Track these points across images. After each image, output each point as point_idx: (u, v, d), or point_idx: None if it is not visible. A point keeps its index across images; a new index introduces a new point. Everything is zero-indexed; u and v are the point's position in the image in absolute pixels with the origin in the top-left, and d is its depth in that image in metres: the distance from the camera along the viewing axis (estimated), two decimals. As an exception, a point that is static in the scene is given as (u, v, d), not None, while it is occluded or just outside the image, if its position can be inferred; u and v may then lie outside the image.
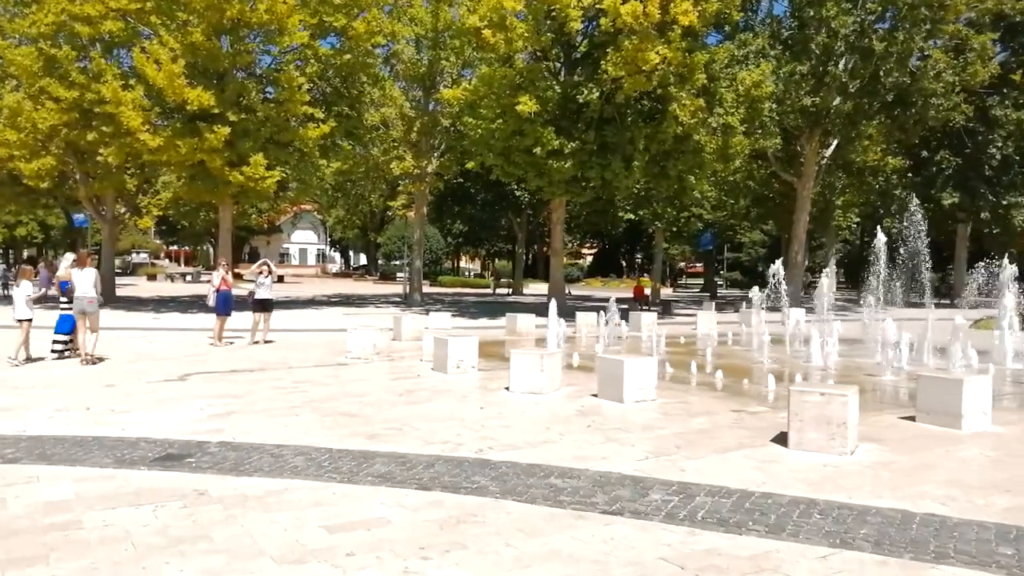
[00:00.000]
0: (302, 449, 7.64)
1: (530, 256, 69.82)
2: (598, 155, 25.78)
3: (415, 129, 32.19)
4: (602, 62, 24.43)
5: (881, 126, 35.13)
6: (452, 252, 78.59)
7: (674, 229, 40.96)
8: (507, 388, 11.20)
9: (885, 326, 13.96)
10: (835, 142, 35.48)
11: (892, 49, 30.26)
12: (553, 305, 17.29)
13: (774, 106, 29.85)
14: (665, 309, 31.14)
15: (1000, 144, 38.01)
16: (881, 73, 32.05)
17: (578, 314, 21.74)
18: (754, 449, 7.85)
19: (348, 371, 13.20)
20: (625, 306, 33.79)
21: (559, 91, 25.91)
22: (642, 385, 10.38)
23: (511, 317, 20.74)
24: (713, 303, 32.35)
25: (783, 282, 19.23)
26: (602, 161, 25.66)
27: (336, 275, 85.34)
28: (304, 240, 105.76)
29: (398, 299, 37.32)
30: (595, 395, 10.70)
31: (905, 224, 23.97)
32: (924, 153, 40.45)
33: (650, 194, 35.72)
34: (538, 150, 25.10)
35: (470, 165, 28.50)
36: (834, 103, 32.44)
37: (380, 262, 76.71)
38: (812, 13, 30.66)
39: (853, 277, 59.04)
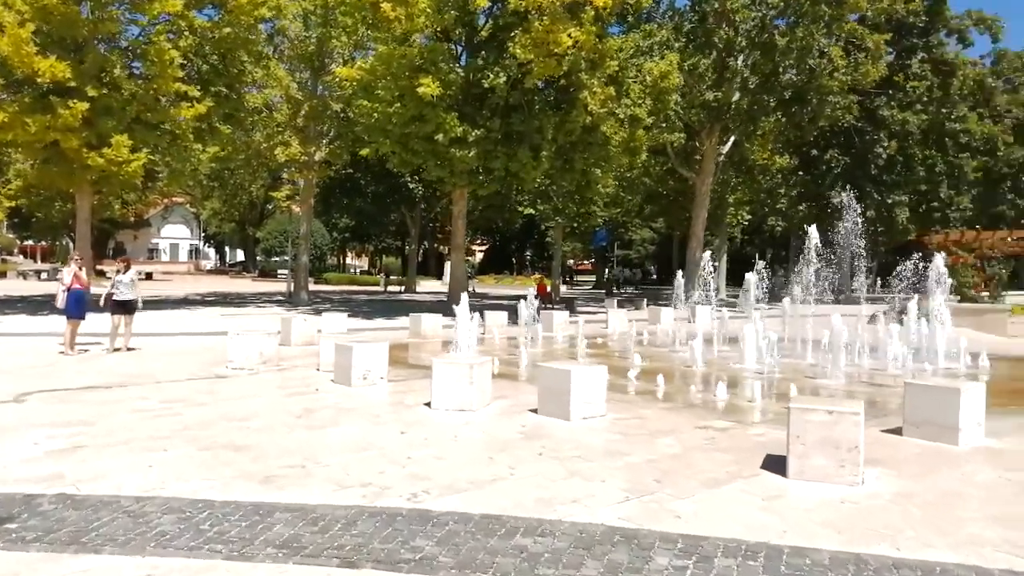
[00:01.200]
0: (173, 502, 5.66)
1: (420, 252, 67.64)
2: (503, 144, 24.26)
3: (302, 113, 29.69)
4: (509, 45, 22.90)
5: (778, 123, 35.30)
6: (338, 248, 75.38)
7: (575, 225, 40.02)
8: (428, 404, 9.44)
9: (833, 323, 13.04)
10: (732, 138, 35.41)
11: (793, 45, 30.22)
12: (464, 303, 15.56)
13: (679, 99, 29.22)
14: (568, 307, 29.96)
15: (886, 144, 39.08)
16: (780, 69, 32.08)
17: (487, 314, 20.10)
18: (748, 481, 6.45)
19: (230, 386, 11.05)
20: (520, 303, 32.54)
21: (463, 75, 24.22)
22: (591, 399, 8.86)
23: (415, 317, 18.89)
24: (615, 300, 31.50)
25: (717, 278, 18.25)
26: (508, 151, 24.15)
27: (211, 272, 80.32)
28: (175, 235, 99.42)
29: (282, 298, 34.58)
30: (534, 411, 9.10)
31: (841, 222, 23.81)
32: (814, 152, 41.18)
33: (551, 188, 34.60)
34: (440, 137, 23.32)
35: (364, 152, 26.34)
36: (734, 98, 32.22)
37: (259, 258, 72.54)
38: (717, 6, 30.23)
39: (738, 275, 60.33)
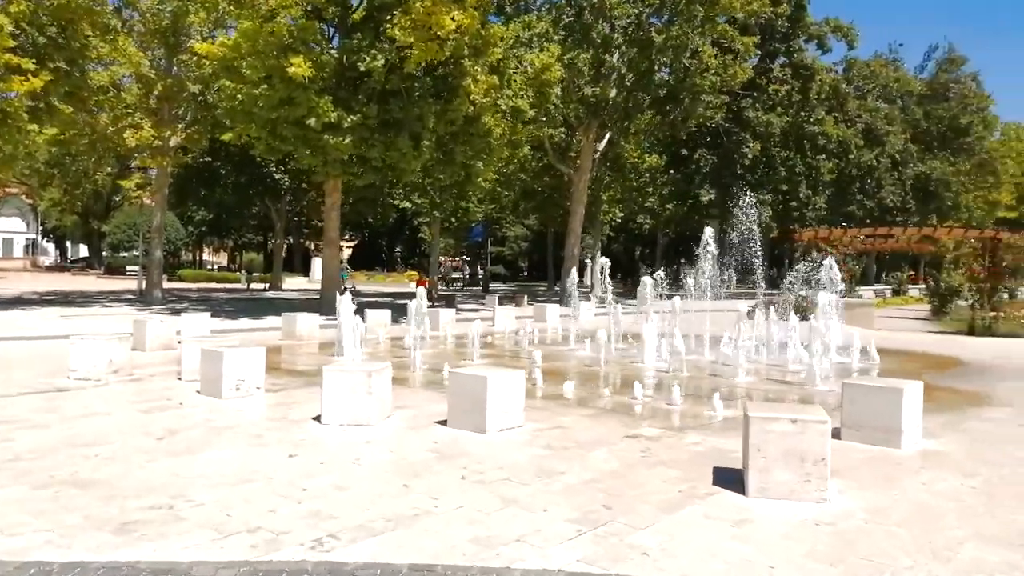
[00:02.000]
0: (-10, 572, 4.23)
1: (285, 248, 64.39)
2: (381, 132, 22.82)
3: (155, 93, 27.01)
4: (387, 27, 21.51)
5: (652, 121, 35.61)
6: (194, 243, 70.79)
7: (452, 220, 38.93)
8: (317, 419, 8.17)
9: (738, 321, 12.66)
10: (608, 135, 35.41)
11: (669, 43, 30.40)
12: (347, 301, 14.22)
13: (559, 92, 28.74)
14: (449, 304, 28.88)
15: (751, 144, 40.35)
16: (656, 67, 32.28)
17: (368, 312, 18.72)
18: (706, 502, 5.65)
19: (73, 401, 9.29)
20: (406, 302, 31.16)
21: (337, 56, 22.61)
22: (509, 408, 7.87)
23: (288, 317, 17.26)
24: (497, 297, 30.71)
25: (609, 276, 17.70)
26: (386, 139, 22.74)
27: (51, 269, 73.47)
28: (9, 228, 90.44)
29: (132, 296, 31.55)
30: (443, 423, 8.01)
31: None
32: (683, 151, 42.01)
33: (429, 181, 33.38)
34: (312, 122, 21.60)
35: (226, 137, 24.17)
36: (611, 95, 32.14)
37: (105, 254, 66.91)
38: (594, 1, 29.98)
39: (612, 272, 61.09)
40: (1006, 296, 26.94)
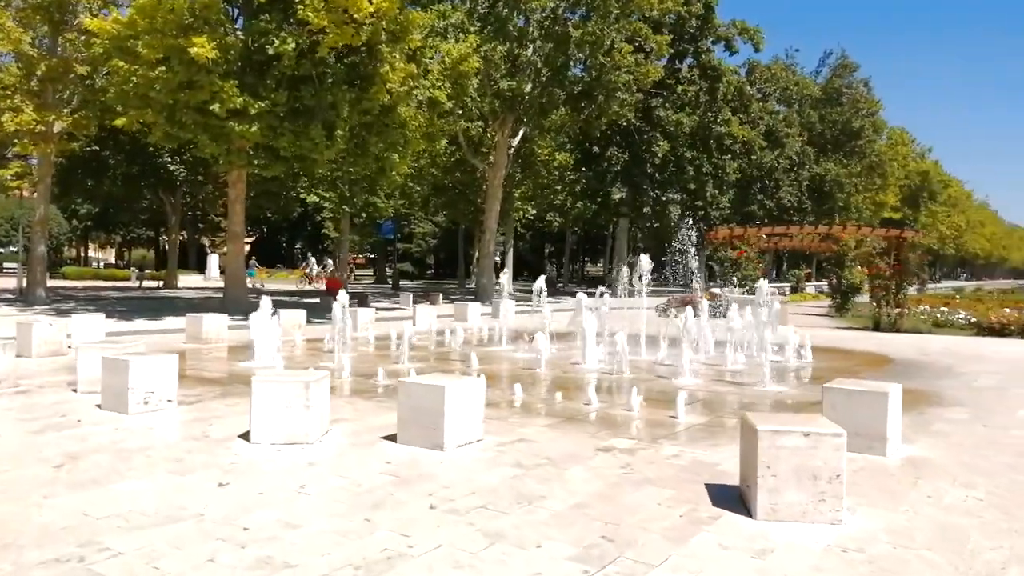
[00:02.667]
0: None
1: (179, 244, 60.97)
2: (290, 120, 21.49)
3: (38, 74, 24.63)
4: (299, 8, 20.22)
5: (566, 117, 35.27)
6: (79, 238, 66.30)
7: (363, 215, 37.51)
8: (245, 437, 7.15)
9: (685, 321, 12.22)
10: (522, 131, 34.86)
11: (585, 38, 30.08)
12: (266, 303, 13.07)
13: (477, 85, 27.94)
14: (363, 303, 27.64)
15: (661, 143, 40.67)
16: (571, 63, 31.94)
17: (281, 312, 17.41)
18: (715, 527, 5.02)
19: (-55, 420, 7.91)
20: (317, 300, 29.72)
21: (243, 38, 21.13)
22: (467, 421, 7.07)
23: (193, 318, 15.80)
24: (411, 296, 29.70)
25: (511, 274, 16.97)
26: (296, 128, 21.42)
27: (-87, 266, 67.25)
28: None
29: (11, 296, 28.86)
30: (390, 438, 7.15)
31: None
32: (595, 149, 41.96)
33: (337, 174, 31.98)
34: (216, 108, 20.10)
35: (119, 123, 22.16)
36: (527, 89, 31.58)
37: (-22, 250, 61.83)
38: (511, -8, 29.35)
39: (520, 270, 60.64)
40: (913, 291, 27.91)
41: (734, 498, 5.55)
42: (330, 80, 21.50)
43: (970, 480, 6.24)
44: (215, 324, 15.60)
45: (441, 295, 31.66)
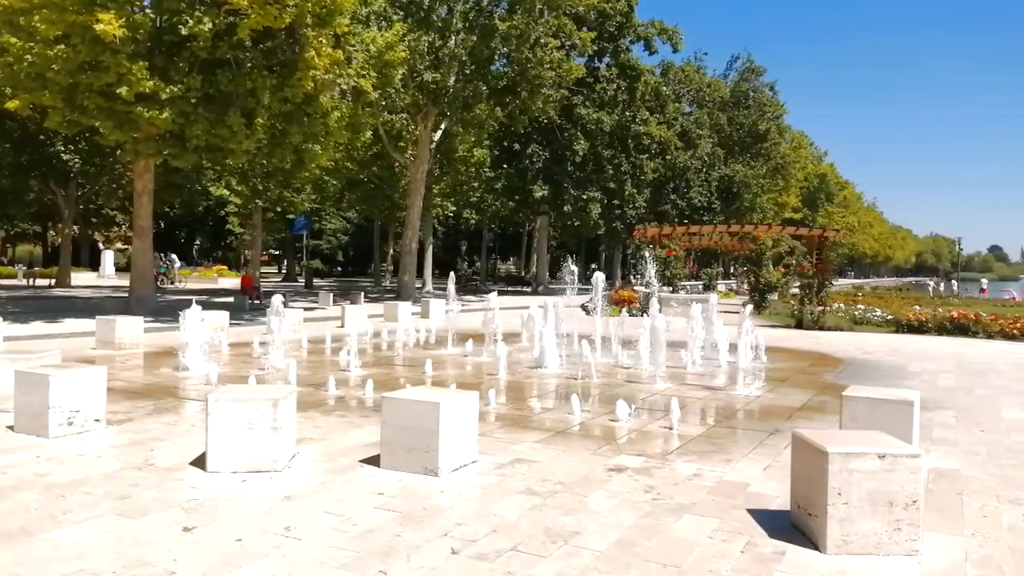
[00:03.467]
0: None
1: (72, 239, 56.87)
2: (205, 106, 19.97)
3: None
4: (216, -15, 18.77)
5: (490, 112, 34.51)
6: (-47, 233, 61.04)
7: (278, 210, 35.67)
8: (198, 464, 6.12)
9: (651, 321, 11.67)
10: (444, 125, 33.92)
11: (512, 31, 29.40)
12: (195, 311, 11.83)
13: (402, 75, 26.82)
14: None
15: (582, 142, 40.45)
16: (496, 56, 31.23)
17: (183, 314, 15.97)
18: (784, 565, 4.40)
19: None
20: (231, 299, 27.91)
21: (153, 16, 19.47)
22: (462, 441, 6.25)
23: (105, 321, 14.24)
24: (331, 295, 28.36)
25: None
26: (211, 115, 19.91)
27: None
28: None
29: None
30: (370, 461, 6.27)
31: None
32: (516, 146, 41.38)
33: (248, 167, 30.27)
34: (123, 91, 18.43)
35: (11, 106, 20.00)
36: (451, 82, 30.67)
37: None
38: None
39: (439, 267, 59.45)
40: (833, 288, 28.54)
41: (786, 527, 4.95)
42: (249, 65, 20.08)
43: (1016, 496, 5.85)
44: (129, 327, 14.10)
45: (363, 294, 30.36)
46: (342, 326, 19.26)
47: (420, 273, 37.95)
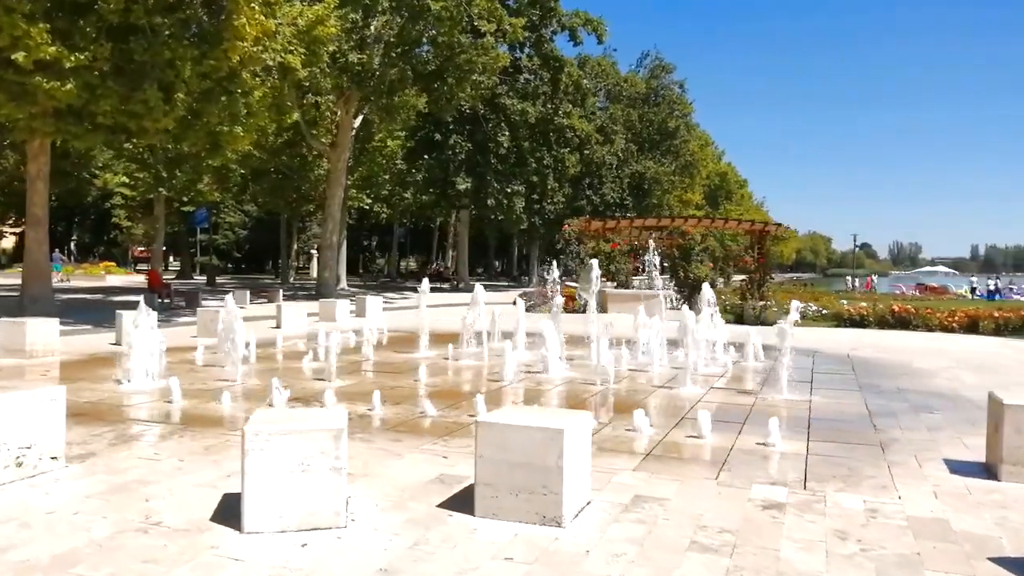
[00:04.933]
0: None
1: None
2: (115, 79, 17.54)
3: None
4: (129, -60, 16.41)
5: (415, 98, 32.67)
6: None
7: (184, 199, 32.62)
8: (226, 521, 4.45)
9: (644, 322, 10.50)
10: (364, 111, 31.90)
11: (444, 14, 27.78)
12: (142, 311, 9.84)
13: (332, 50, 24.74)
14: (191, 303, 23.62)
15: (507, 133, 39.21)
16: (425, 39, 29.54)
17: (121, 315, 13.74)
18: None
19: None
20: (137, 299, 24.99)
21: (54, -29, 16.91)
22: (580, 477, 4.83)
23: (11, 324, 11.85)
24: (248, 293, 25.99)
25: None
26: (123, 88, 17.50)
27: None
28: None
29: None
30: (453, 506, 4.76)
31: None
32: (437, 136, 39.68)
33: (147, 153, 27.42)
34: (19, 58, 15.86)
35: None
36: (377, 64, 28.77)
37: None
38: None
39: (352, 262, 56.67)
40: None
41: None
42: (167, 33, 17.77)
43: None
44: (43, 331, 11.81)
45: (281, 291, 28.07)
46: (278, 327, 17.30)
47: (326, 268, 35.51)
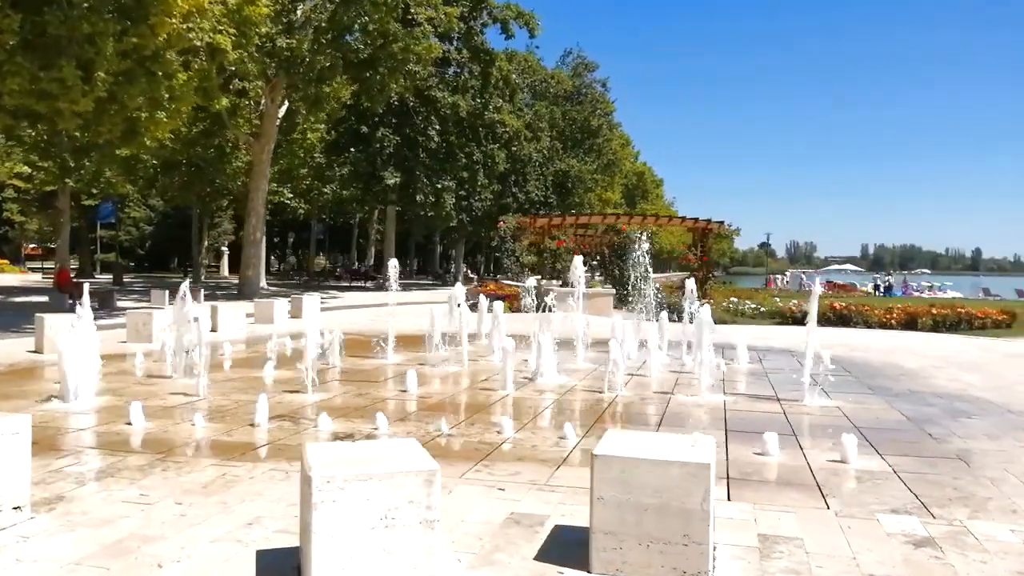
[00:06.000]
0: None
1: None
2: (25, 54, 15.67)
3: None
4: None
5: (345, 87, 31.13)
6: None
7: (93, 191, 30.04)
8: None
9: (697, 319, 9.77)
10: (288, 100, 30.16)
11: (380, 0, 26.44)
12: (84, 313, 8.41)
13: (263, 32, 23.07)
14: (104, 304, 21.59)
15: (438, 127, 38.05)
16: (357, 25, 28.12)
17: (43, 319, 12.06)
18: None
19: None
20: (43, 299, 22.71)
21: (-48, -73, 14.91)
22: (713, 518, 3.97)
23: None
24: (167, 293, 24.04)
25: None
26: (34, 63, 15.65)
27: None
28: None
29: None
30: (550, 557, 3.84)
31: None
32: (364, 129, 38.13)
33: (54, 138, 25.04)
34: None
35: None
36: (306, 50, 27.16)
37: None
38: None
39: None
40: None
41: None
42: (86, 5, 16.00)
43: None
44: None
45: (202, 291, 26.16)
46: (214, 330, 15.77)
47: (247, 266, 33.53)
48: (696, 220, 26.53)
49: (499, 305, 13.81)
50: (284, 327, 17.24)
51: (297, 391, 8.84)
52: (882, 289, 54.40)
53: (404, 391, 8.97)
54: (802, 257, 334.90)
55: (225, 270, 59.89)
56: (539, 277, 22.83)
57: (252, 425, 6.95)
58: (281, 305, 19.13)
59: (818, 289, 9.24)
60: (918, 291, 55.71)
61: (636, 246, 13.63)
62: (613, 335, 10.42)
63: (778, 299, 27.42)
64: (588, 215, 34.78)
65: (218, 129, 31.25)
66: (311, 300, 21.14)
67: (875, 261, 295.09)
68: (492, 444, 6.41)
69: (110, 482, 5.15)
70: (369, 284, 45.04)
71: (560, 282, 26.91)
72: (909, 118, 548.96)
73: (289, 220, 57.33)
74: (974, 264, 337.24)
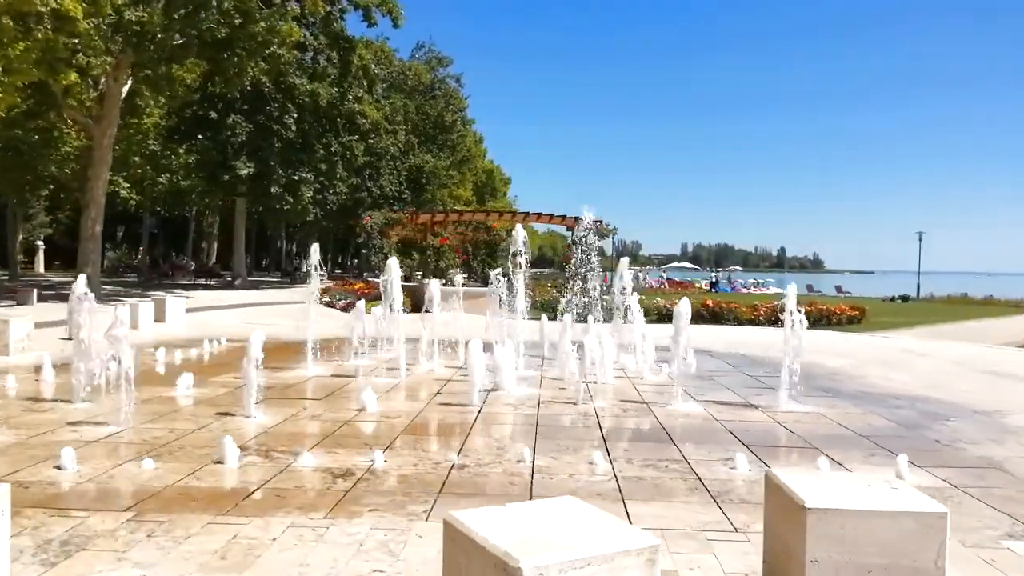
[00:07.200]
0: None
1: None
2: None
3: None
4: None
5: (198, 69, 28.49)
6: None
7: None
8: None
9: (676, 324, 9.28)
10: (130, 81, 27.24)
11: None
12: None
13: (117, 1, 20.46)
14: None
15: (296, 116, 35.90)
16: (213, 3, 25.76)
17: None
18: None
19: None
20: None
21: None
22: None
23: None
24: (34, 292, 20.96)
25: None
26: None
27: None
28: None
29: None
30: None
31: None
32: (213, 115, 35.28)
33: None
34: None
35: None
36: (156, 24, 24.55)
37: None
38: None
39: (70, 257, 49.06)
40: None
41: None
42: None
43: None
44: None
45: (35, 291, 23.03)
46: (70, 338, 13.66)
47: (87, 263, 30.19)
48: (576, 218, 26.45)
49: (361, 304, 12.89)
50: (152, 333, 15.36)
51: (232, 413, 7.58)
52: (709, 285, 57.90)
53: (362, 409, 7.89)
54: (629, 255, 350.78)
55: (40, 267, 53.98)
56: (465, 276, 21.88)
57: (218, 463, 5.72)
58: (148, 309, 17.03)
59: (794, 289, 9.01)
60: (745, 287, 59.56)
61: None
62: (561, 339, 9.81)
63: (643, 297, 27.88)
64: (472, 211, 34.06)
65: (44, 110, 27.75)
66: (175, 302, 19.05)
67: (694, 258, 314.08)
68: (522, 475, 5.58)
69: (89, 558, 3.87)
70: (213, 282, 41.93)
71: (443, 281, 26.06)
72: (728, 135, 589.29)
73: (119, 212, 52.33)
74: (780, 262, 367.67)
